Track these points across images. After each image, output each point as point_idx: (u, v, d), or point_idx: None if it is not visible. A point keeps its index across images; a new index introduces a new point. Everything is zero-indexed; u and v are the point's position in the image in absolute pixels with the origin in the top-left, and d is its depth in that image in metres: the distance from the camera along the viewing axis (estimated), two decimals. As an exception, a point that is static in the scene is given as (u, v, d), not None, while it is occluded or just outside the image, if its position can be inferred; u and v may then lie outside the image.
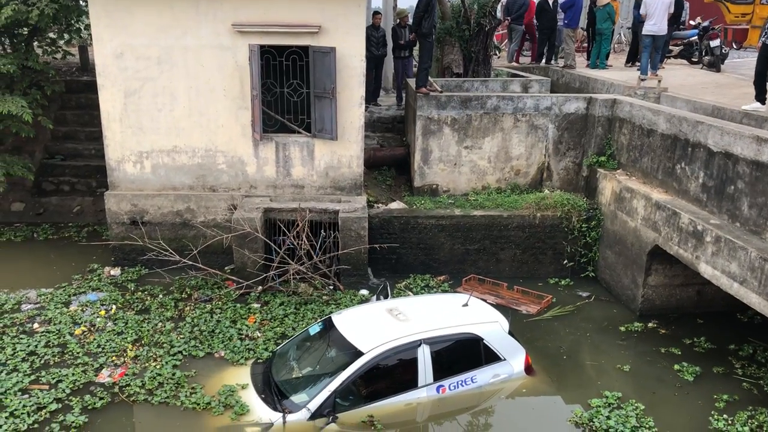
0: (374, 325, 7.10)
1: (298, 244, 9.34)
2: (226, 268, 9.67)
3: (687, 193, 8.27)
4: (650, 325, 8.71)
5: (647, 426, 6.58)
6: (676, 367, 7.70)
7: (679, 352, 8.06)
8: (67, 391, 6.92)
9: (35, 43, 12.30)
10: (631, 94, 11.39)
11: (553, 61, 16.41)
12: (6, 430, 6.24)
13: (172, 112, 9.69)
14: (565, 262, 10.18)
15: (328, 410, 6.43)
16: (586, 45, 18.58)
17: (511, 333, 7.40)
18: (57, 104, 13.17)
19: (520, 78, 13.67)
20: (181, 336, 8.09)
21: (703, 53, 15.78)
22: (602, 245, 9.98)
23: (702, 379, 7.51)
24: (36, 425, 6.38)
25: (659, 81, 11.71)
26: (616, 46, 20.03)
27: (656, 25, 12.28)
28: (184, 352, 7.75)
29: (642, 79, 11.90)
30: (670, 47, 16.33)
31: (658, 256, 8.68)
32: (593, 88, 12.99)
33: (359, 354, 6.62)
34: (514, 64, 16.62)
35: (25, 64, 11.02)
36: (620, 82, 12.33)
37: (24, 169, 11.10)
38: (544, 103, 10.53)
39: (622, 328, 8.64)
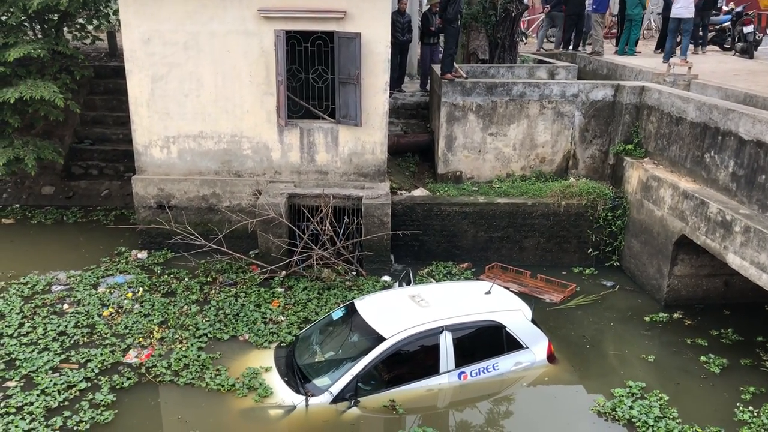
0: (396, 311, 7.13)
1: (321, 229, 9.39)
2: (250, 252, 9.76)
3: (716, 183, 8.12)
4: (675, 315, 8.60)
5: (671, 416, 6.53)
6: (703, 358, 7.61)
7: (706, 344, 7.95)
8: (96, 370, 7.08)
9: (65, 29, 12.47)
10: (660, 81, 11.19)
11: (580, 48, 16.17)
12: (38, 406, 6.41)
13: (198, 98, 9.77)
14: (590, 251, 10.09)
15: (350, 394, 6.50)
16: (614, 31, 18.29)
17: (534, 321, 7.38)
18: (86, 89, 13.36)
19: (547, 64, 13.51)
20: (207, 319, 8.22)
21: (736, 39, 15.44)
22: (627, 234, 9.87)
23: (728, 371, 7.41)
24: (66, 403, 6.55)
25: (689, 68, 11.47)
26: (645, 32, 19.68)
27: (683, 8, 12.02)
28: (209, 335, 7.87)
29: (669, 65, 11.66)
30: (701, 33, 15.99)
31: (684, 246, 8.56)
32: (621, 75, 12.79)
33: (381, 339, 6.66)
34: (559, 50, 16.26)
35: (55, 49, 11.18)
36: (649, 69, 12.11)
37: (54, 154, 11.31)
38: (570, 90, 10.40)
39: (647, 319, 8.56)
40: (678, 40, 13.66)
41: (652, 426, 6.38)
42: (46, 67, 11.19)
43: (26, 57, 10.35)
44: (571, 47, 16.11)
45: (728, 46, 16.11)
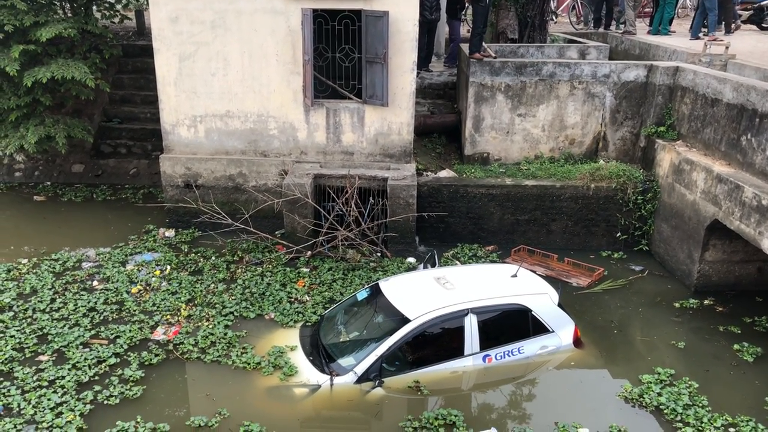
0: (421, 293, 7.10)
1: (346, 210, 9.38)
2: (276, 232, 9.80)
3: (752, 166, 7.90)
4: (706, 302, 8.44)
5: (700, 405, 6.42)
6: (736, 346, 7.44)
7: (739, 331, 7.79)
8: (125, 346, 7.20)
9: (94, 8, 12.54)
10: (695, 61, 10.90)
11: (613, 27, 15.79)
12: (69, 380, 6.55)
13: (225, 77, 9.77)
14: (619, 234, 9.93)
15: (374, 374, 6.52)
16: (648, 10, 17.82)
17: (560, 305, 7.30)
18: (114, 68, 13.46)
19: (578, 44, 13.23)
20: (233, 297, 8.29)
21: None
22: (658, 218, 9.68)
23: (763, 360, 7.24)
24: (96, 377, 6.67)
25: (726, 47, 11.13)
26: (680, 11, 19.15)
27: None
28: (235, 313, 7.95)
29: (705, 45, 11.33)
30: (739, 11, 15.53)
31: (717, 231, 8.37)
32: (654, 55, 12.47)
33: (406, 321, 6.65)
34: (589, 29, 15.90)
35: (85, 28, 11.26)
36: (684, 48, 11.79)
37: (84, 132, 11.45)
38: (601, 71, 10.17)
39: (677, 305, 8.40)
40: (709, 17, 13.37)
41: (681, 414, 6.29)
42: (75, 46, 11.28)
43: (57, 36, 10.44)
44: (602, 27, 15.74)
45: (766, 26, 15.60)
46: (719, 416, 6.25)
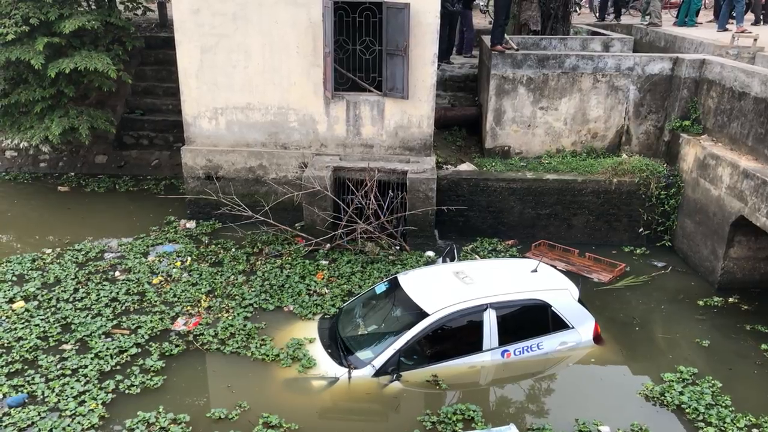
0: (440, 287, 7.08)
1: (366, 203, 9.37)
2: (296, 224, 9.82)
3: (780, 162, 7.74)
4: (731, 299, 8.30)
5: (723, 404, 6.32)
6: (763, 346, 7.30)
7: (766, 330, 7.64)
8: (146, 336, 7.28)
9: (117, 0, 12.62)
10: (722, 54, 10.68)
11: (639, 19, 15.52)
12: (91, 369, 6.64)
13: (246, 69, 9.79)
14: (641, 230, 9.80)
15: (392, 368, 6.51)
16: (675, 0, 17.53)
17: (580, 301, 7.23)
18: (137, 60, 13.56)
19: (601, 36, 13.05)
20: (252, 289, 8.34)
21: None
22: (681, 214, 9.53)
23: (790, 360, 7.13)
24: (118, 367, 6.76)
25: (755, 40, 10.89)
26: (707, 2, 18.79)
27: None
28: (254, 305, 7.99)
29: (733, 37, 11.10)
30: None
31: (742, 227, 8.21)
32: (680, 47, 12.25)
33: (424, 315, 6.64)
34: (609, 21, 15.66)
35: (108, 21, 11.35)
36: (710, 40, 11.56)
37: (107, 123, 11.56)
38: (625, 63, 10.01)
39: (701, 302, 8.26)
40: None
41: (703, 413, 6.20)
42: (99, 38, 11.37)
43: (80, 29, 10.54)
44: (612, 17, 15.44)
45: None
46: (742, 416, 6.15)
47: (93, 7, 11.81)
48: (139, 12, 13.51)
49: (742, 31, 11.83)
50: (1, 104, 11.03)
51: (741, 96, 8.55)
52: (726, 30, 13.01)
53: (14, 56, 10.23)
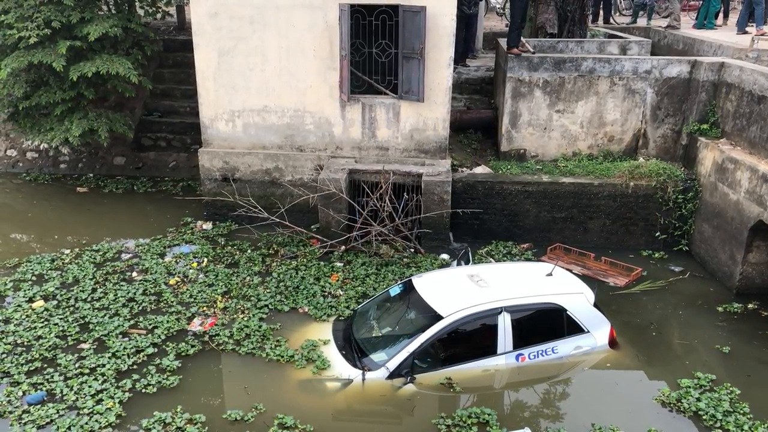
0: (454, 290, 7.08)
1: (381, 206, 9.38)
2: (311, 226, 9.87)
3: (800, 166, 7.65)
4: (750, 305, 8.19)
5: (741, 412, 6.25)
6: (783, 353, 7.23)
7: (787, 338, 7.56)
8: (162, 336, 7.35)
9: (137, 4, 12.78)
10: (741, 57, 10.57)
11: (651, 21, 15.41)
12: (109, 368, 6.72)
13: (263, 72, 9.86)
14: (658, 234, 9.72)
15: (406, 370, 6.52)
16: (694, 2, 17.38)
17: (596, 305, 7.19)
18: (155, 62, 13.70)
19: (618, 39, 12.96)
20: (268, 290, 8.38)
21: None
22: (699, 218, 9.44)
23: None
24: (135, 366, 6.84)
25: (775, 42, 10.78)
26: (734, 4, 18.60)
27: None
28: (270, 306, 8.04)
29: (753, 40, 10.98)
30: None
31: (761, 232, 8.12)
32: (698, 50, 12.14)
33: (438, 318, 6.64)
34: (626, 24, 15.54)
35: (128, 26, 11.49)
36: (730, 43, 11.45)
37: (125, 127, 11.71)
38: (643, 66, 9.95)
39: (720, 308, 8.16)
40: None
41: (721, 420, 6.14)
42: (119, 42, 11.51)
43: (102, 35, 10.66)
44: (600, 20, 15.32)
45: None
46: (761, 424, 6.08)
47: (113, 11, 11.95)
48: (159, 15, 13.64)
49: (762, 34, 11.70)
50: (22, 106, 11.21)
51: (761, 99, 8.46)
52: (746, 33, 12.87)
53: (36, 59, 10.39)
